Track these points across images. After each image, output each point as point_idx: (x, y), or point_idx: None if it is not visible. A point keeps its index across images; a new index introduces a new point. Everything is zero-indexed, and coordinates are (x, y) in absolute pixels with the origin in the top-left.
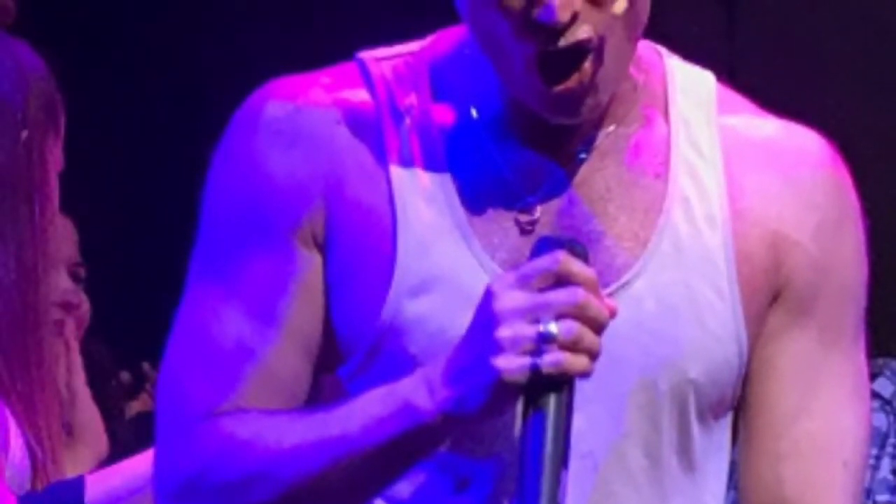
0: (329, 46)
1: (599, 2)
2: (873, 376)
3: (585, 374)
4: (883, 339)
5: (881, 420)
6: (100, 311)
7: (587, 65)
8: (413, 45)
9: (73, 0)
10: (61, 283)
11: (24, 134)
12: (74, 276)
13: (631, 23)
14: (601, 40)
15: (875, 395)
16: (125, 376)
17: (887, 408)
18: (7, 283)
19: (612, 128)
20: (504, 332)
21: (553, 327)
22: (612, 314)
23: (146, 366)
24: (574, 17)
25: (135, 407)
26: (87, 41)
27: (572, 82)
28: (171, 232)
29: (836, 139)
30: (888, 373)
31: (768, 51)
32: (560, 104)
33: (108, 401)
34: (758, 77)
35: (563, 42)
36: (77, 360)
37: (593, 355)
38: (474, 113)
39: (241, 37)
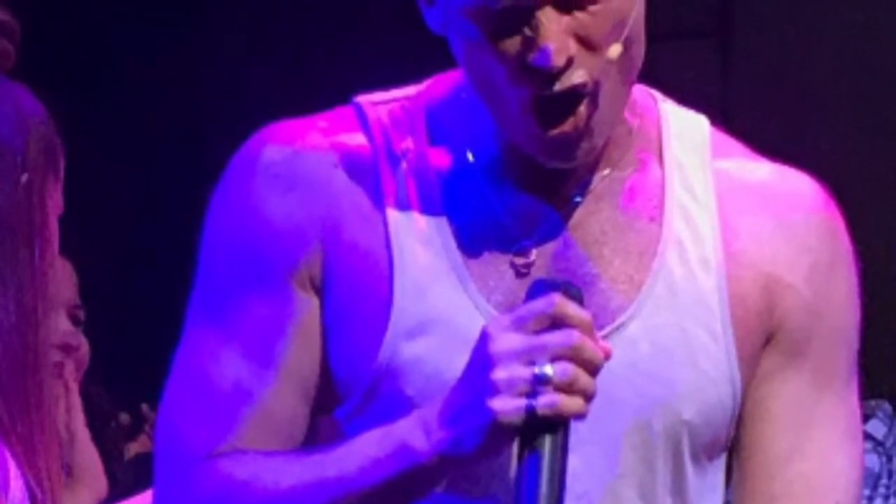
0: (326, 91)
1: (594, 47)
2: (866, 418)
3: (580, 416)
4: (876, 381)
5: (873, 461)
6: (99, 353)
7: (582, 109)
8: (410, 90)
9: (73, 45)
10: (61, 326)
11: (24, 177)
12: (74, 319)
13: (625, 67)
14: (596, 85)
15: (868, 436)
16: (124, 418)
17: (879, 449)
18: (7, 326)
19: (606, 171)
20: (500, 374)
21: (548, 369)
22: (607, 356)
23: (145, 407)
24: (569, 62)
25: (133, 448)
26: (86, 85)
27: (567, 126)
28: (169, 274)
29: (829, 182)
30: (881, 414)
31: (761, 95)
32: (555, 148)
33: (108, 442)
34: (751, 120)
35: (558, 87)
36: (76, 402)
37: (588, 397)
38: (470, 157)
39: (239, 81)
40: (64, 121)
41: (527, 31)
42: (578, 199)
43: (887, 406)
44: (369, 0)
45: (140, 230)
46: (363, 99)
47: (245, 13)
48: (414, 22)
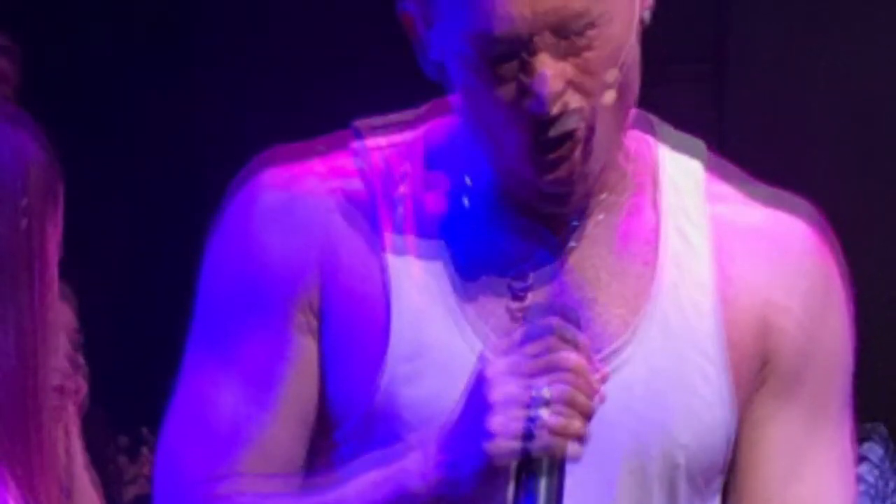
0: (323, 123)
1: (589, 93)
2: (862, 440)
3: (575, 459)
4: (871, 404)
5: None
6: (99, 377)
7: (577, 154)
8: (407, 114)
9: (72, 80)
10: (60, 369)
11: (24, 222)
12: (73, 362)
13: (619, 113)
14: (590, 130)
15: (864, 458)
16: (123, 440)
17: (876, 471)
18: (7, 370)
19: (601, 216)
20: (498, 397)
21: (546, 392)
22: (604, 379)
23: (145, 430)
24: (564, 108)
25: (132, 490)
26: (86, 119)
27: (562, 171)
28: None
29: (825, 208)
30: (877, 437)
31: (757, 122)
32: (550, 193)
33: (107, 486)
34: (747, 148)
35: (553, 132)
36: (76, 446)
37: (586, 417)
38: (466, 200)
39: (237, 116)
40: (62, 154)
41: (522, 78)
42: (575, 223)
43: (883, 429)
44: (366, 31)
45: (141, 260)
46: (361, 124)
47: (243, 47)
48: (410, 52)
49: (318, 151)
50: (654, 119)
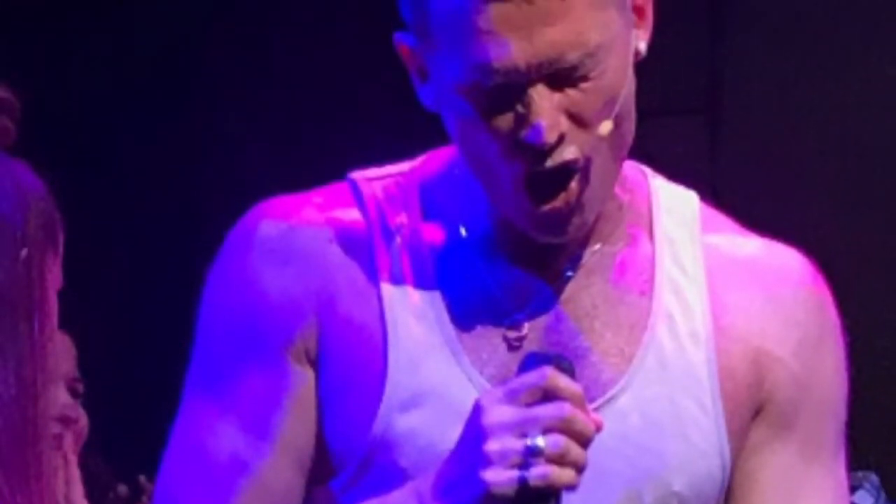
0: (322, 168)
1: (585, 123)
2: (853, 489)
3: (572, 487)
4: (863, 452)
5: None
6: (98, 425)
7: (573, 185)
8: (404, 165)
9: (73, 122)
10: (60, 398)
11: (24, 253)
12: (73, 392)
13: (616, 144)
14: (587, 161)
15: None
16: (122, 489)
17: None
18: (6, 399)
19: (597, 246)
20: (492, 446)
21: (540, 441)
22: (598, 428)
23: (142, 479)
24: (561, 139)
25: None
26: (85, 162)
27: (559, 202)
28: (167, 347)
29: (817, 257)
30: (868, 485)
31: (750, 171)
32: (547, 224)
33: None
34: (740, 196)
35: (550, 163)
36: (75, 474)
37: (580, 468)
38: (463, 231)
39: (235, 159)
40: (63, 196)
41: (519, 108)
42: (570, 273)
43: (874, 477)
44: (364, 77)
45: (138, 304)
46: (358, 175)
47: (241, 91)
48: (408, 99)
49: (315, 202)
50: (647, 170)
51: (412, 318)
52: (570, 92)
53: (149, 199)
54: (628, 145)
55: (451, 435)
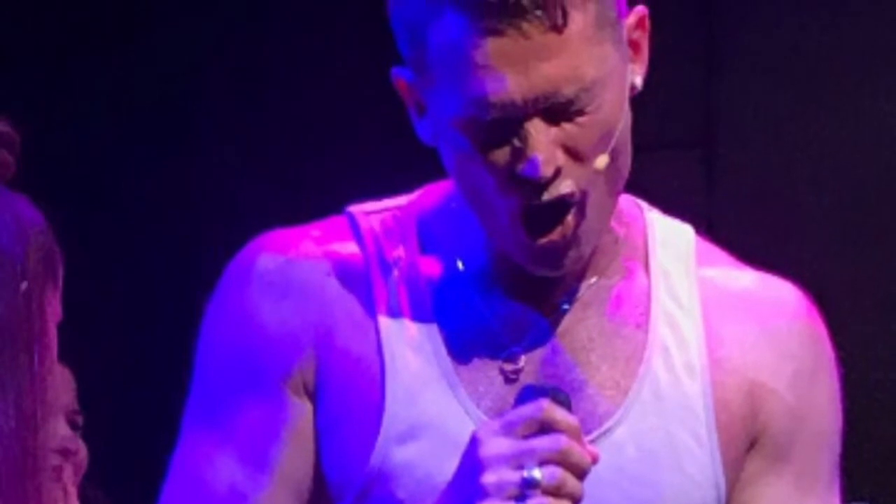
0: (319, 203)
1: (582, 157)
2: None
3: None
4: (858, 484)
5: None
6: (97, 457)
7: (570, 218)
8: (401, 199)
9: (73, 156)
10: (59, 430)
11: (24, 286)
12: (72, 424)
13: (612, 177)
14: (583, 194)
15: None
16: None
17: None
18: (6, 430)
19: (594, 279)
20: (489, 478)
21: (537, 473)
22: (595, 460)
23: None
24: (557, 172)
25: None
26: (85, 196)
27: (555, 235)
28: (166, 380)
29: (812, 290)
30: None
31: (745, 205)
32: (543, 257)
33: None
34: (735, 230)
35: (546, 196)
36: None
37: (576, 500)
38: (460, 265)
39: (233, 193)
40: (63, 230)
41: (516, 142)
42: (566, 306)
43: None
44: (362, 112)
45: (138, 337)
46: (355, 209)
47: (240, 126)
48: (405, 133)
49: (313, 235)
50: (643, 203)
51: (409, 350)
52: (567, 126)
53: (148, 232)
54: (624, 179)
55: (448, 467)
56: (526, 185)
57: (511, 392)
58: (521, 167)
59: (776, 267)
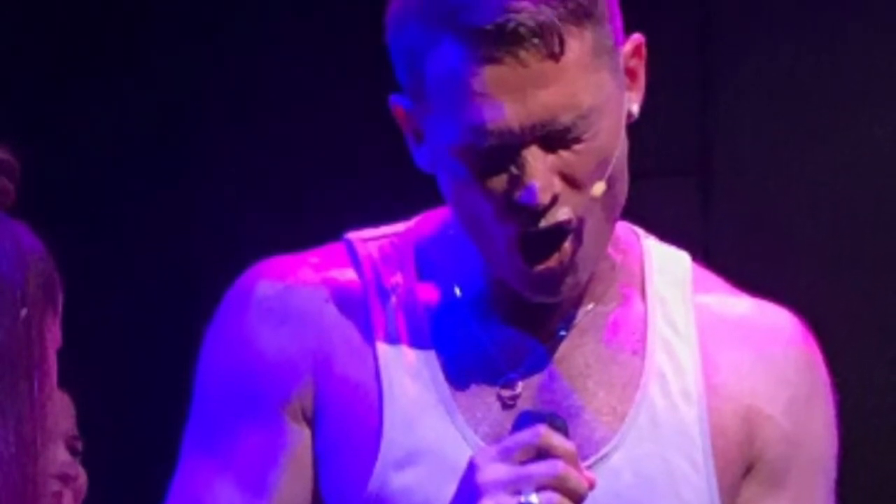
0: (318, 230)
1: (579, 184)
2: None
3: None
4: None
5: None
6: (97, 483)
7: (567, 245)
8: (399, 226)
9: (72, 184)
10: (59, 456)
11: (24, 312)
12: (72, 450)
13: (609, 204)
14: (580, 221)
15: None
16: None
17: None
18: (6, 457)
19: (591, 306)
20: (486, 502)
21: (534, 499)
22: (591, 486)
23: None
24: (554, 200)
25: None
26: (84, 223)
27: (552, 262)
28: (165, 406)
29: (808, 316)
30: None
31: (741, 232)
32: (540, 283)
33: None
34: (731, 257)
35: (543, 223)
36: None
37: None
38: (458, 291)
39: (233, 220)
40: (62, 257)
41: (513, 170)
42: (563, 332)
43: None
44: (359, 139)
45: (137, 363)
46: (354, 235)
47: (239, 154)
48: (403, 160)
49: (311, 262)
50: (640, 230)
51: (407, 376)
52: (564, 153)
53: (147, 259)
54: (621, 206)
55: (445, 493)
56: (523, 212)
57: (508, 418)
58: (518, 194)
59: (772, 293)
